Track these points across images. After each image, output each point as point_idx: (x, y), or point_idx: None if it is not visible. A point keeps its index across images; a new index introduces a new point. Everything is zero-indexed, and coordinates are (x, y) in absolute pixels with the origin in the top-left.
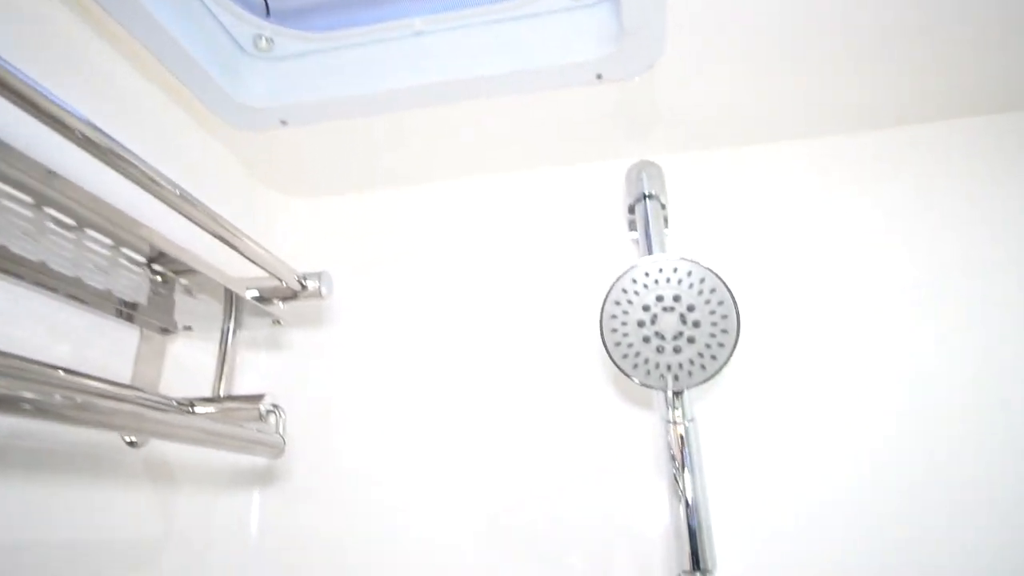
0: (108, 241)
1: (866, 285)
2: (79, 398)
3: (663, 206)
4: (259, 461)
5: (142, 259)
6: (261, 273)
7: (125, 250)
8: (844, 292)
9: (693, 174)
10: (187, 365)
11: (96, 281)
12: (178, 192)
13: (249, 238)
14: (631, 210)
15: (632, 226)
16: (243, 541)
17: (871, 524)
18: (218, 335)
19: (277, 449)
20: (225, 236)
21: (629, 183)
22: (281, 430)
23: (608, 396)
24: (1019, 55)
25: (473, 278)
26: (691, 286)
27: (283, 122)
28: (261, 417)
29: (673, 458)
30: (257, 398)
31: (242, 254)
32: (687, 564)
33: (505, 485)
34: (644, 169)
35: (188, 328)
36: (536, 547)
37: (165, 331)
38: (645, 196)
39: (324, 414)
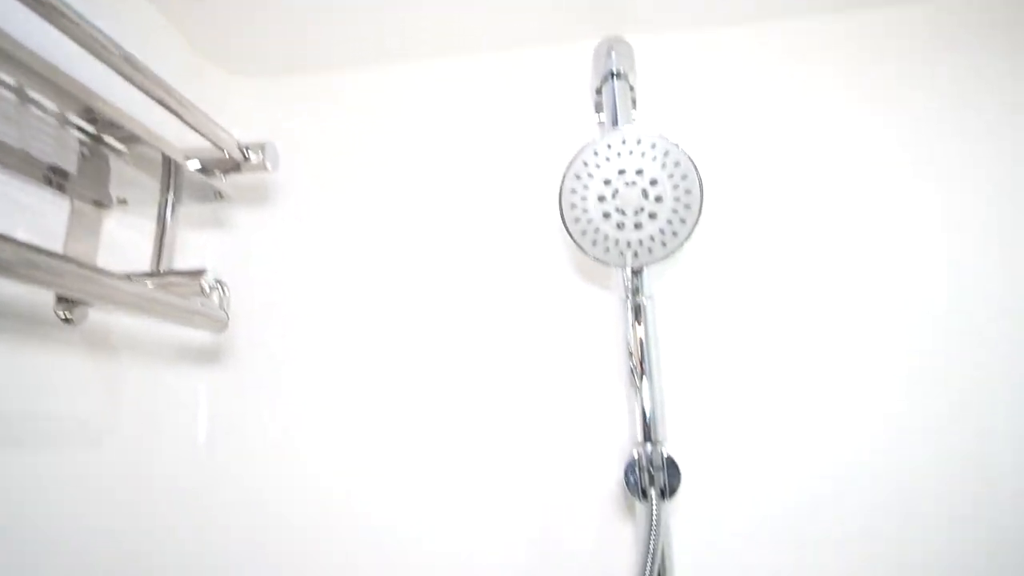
0: (13, 83)
1: (843, 169)
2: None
3: (631, 88)
4: (205, 341)
5: (77, 122)
6: (203, 144)
7: (46, 102)
8: (819, 176)
9: (665, 57)
10: (124, 243)
11: (9, 137)
12: (117, 52)
13: (191, 103)
14: (598, 91)
15: (599, 107)
16: (193, 417)
17: (827, 403)
18: (156, 212)
19: (221, 323)
20: (165, 100)
21: (596, 61)
22: (225, 307)
23: (570, 278)
24: None
25: (430, 162)
26: (655, 159)
27: None
28: (203, 293)
29: (629, 335)
30: (199, 273)
31: (182, 119)
32: (639, 436)
33: (460, 364)
34: (613, 46)
35: (123, 202)
36: (492, 425)
37: (99, 204)
38: (612, 74)
39: (271, 296)
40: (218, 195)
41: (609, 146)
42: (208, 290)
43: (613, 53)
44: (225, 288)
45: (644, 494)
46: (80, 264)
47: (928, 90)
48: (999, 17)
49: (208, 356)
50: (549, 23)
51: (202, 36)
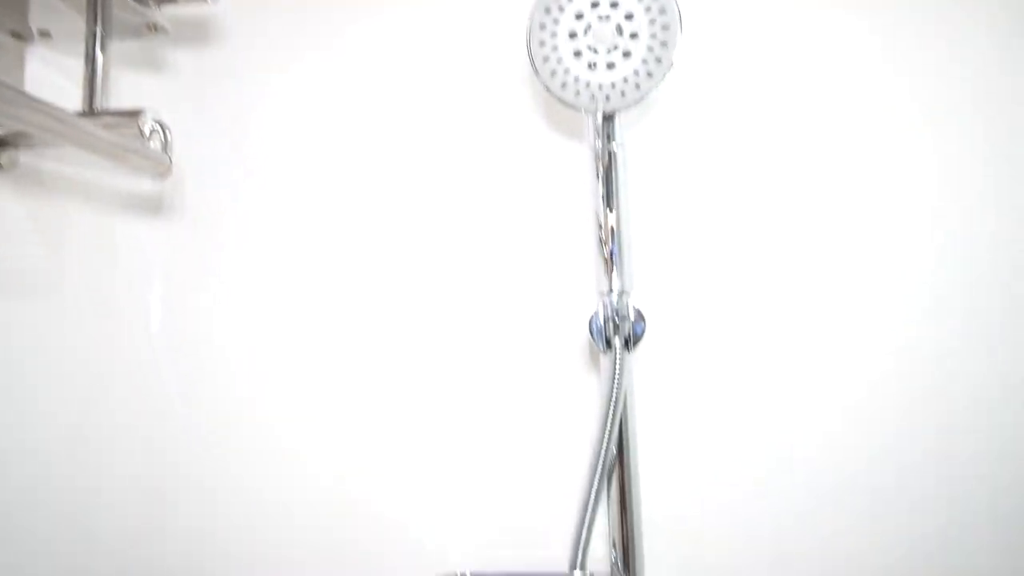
0: None
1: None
2: None
3: None
4: (150, 193)
5: None
6: None
7: None
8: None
9: None
10: (51, 82)
11: None
12: None
13: None
14: None
15: None
16: (145, 271)
17: (802, 266)
18: (84, 48)
19: (163, 167)
20: None
21: None
22: (168, 152)
23: (540, 130)
24: None
25: (398, 31)
26: None
27: None
28: (142, 135)
29: (598, 182)
30: (136, 113)
31: None
32: (604, 287)
33: (426, 226)
34: None
35: (46, 34)
36: (460, 291)
37: (18, 36)
38: None
39: (218, 148)
40: (152, 28)
41: None
42: (147, 132)
43: None
44: (167, 131)
45: (608, 344)
46: (7, 87)
47: None
48: None
49: (154, 210)
50: None
51: None
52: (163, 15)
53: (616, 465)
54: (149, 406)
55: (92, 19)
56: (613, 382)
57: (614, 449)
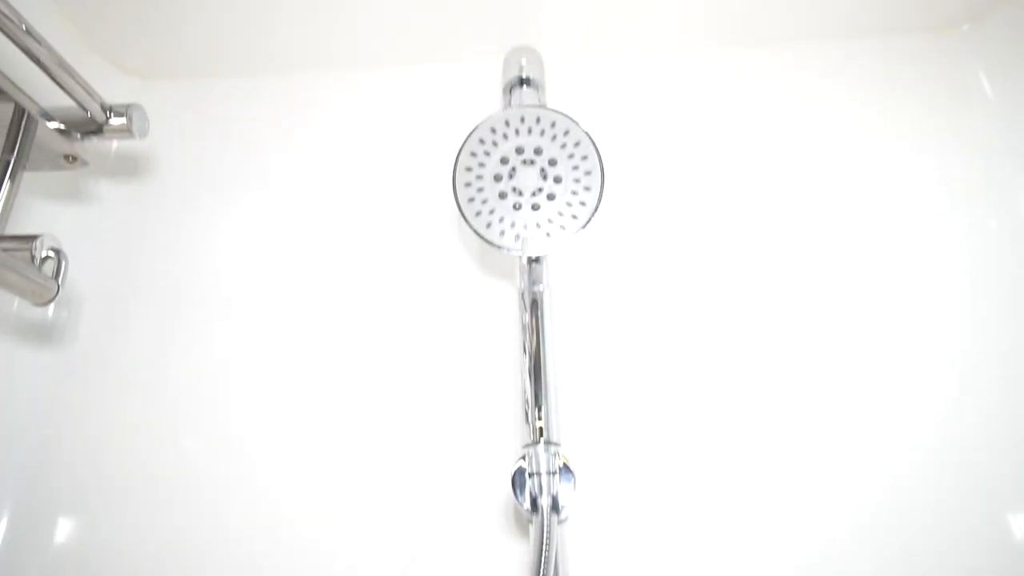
0: None
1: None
2: None
3: (540, 97)
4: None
5: None
6: (64, 103)
7: None
8: (719, 180)
9: (581, 75)
10: None
11: None
12: None
13: (56, 52)
14: (507, 97)
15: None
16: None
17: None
18: None
19: (45, 292)
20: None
21: (506, 70)
22: (61, 279)
23: (470, 271)
24: None
25: (325, 163)
26: (554, 138)
27: None
28: (34, 260)
29: (524, 326)
30: (31, 238)
31: (38, 62)
32: (531, 437)
33: (342, 361)
34: (523, 55)
35: None
36: (374, 427)
37: None
38: (521, 80)
39: (130, 283)
40: (72, 159)
41: (507, 123)
42: (38, 258)
43: (523, 60)
44: (63, 257)
45: (534, 505)
46: None
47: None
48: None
49: (45, 334)
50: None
51: (89, 24)
52: (85, 148)
53: None
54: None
55: (9, 147)
56: (541, 553)
57: None
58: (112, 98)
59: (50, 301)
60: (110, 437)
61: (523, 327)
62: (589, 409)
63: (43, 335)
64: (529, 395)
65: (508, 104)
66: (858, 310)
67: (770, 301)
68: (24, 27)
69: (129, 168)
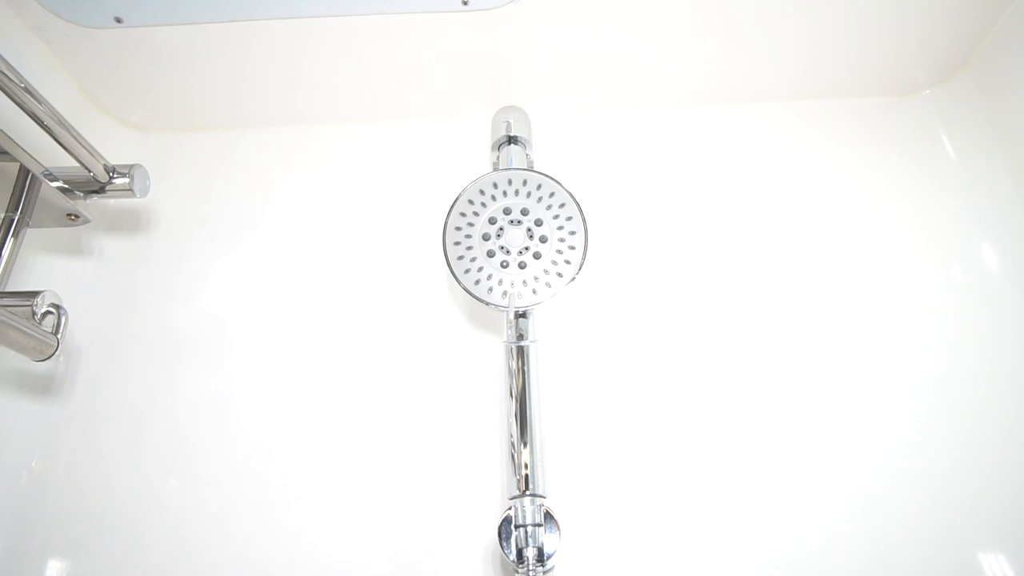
0: None
1: (718, 225)
2: None
3: (528, 156)
4: (43, 372)
5: None
6: (68, 163)
7: None
8: (704, 237)
9: (566, 135)
10: None
11: None
12: None
13: (58, 114)
14: (496, 156)
15: (496, 168)
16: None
17: (720, 463)
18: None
19: (45, 348)
20: (27, 104)
21: (495, 128)
22: (60, 335)
23: (459, 325)
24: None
25: (319, 218)
26: (540, 200)
27: (118, 20)
28: (35, 316)
29: (510, 379)
30: (32, 294)
31: (41, 123)
32: (517, 489)
33: (336, 414)
34: (511, 114)
35: None
36: (375, 470)
37: None
38: (509, 139)
39: (127, 340)
40: (74, 217)
41: (495, 185)
42: (39, 314)
43: (511, 119)
44: (63, 313)
45: (520, 556)
46: None
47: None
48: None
49: (42, 386)
50: (448, 101)
51: (89, 76)
52: (88, 207)
53: None
54: None
55: (13, 206)
56: None
57: None
58: (112, 149)
59: (49, 357)
60: (104, 485)
61: (510, 375)
62: (574, 459)
63: (40, 387)
64: (516, 444)
65: (497, 161)
66: (834, 346)
67: (747, 342)
68: (24, 86)
69: (125, 220)
